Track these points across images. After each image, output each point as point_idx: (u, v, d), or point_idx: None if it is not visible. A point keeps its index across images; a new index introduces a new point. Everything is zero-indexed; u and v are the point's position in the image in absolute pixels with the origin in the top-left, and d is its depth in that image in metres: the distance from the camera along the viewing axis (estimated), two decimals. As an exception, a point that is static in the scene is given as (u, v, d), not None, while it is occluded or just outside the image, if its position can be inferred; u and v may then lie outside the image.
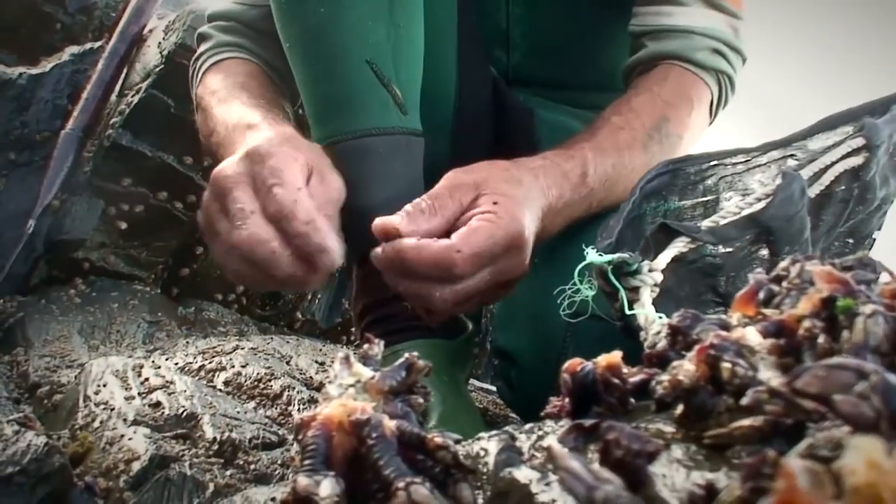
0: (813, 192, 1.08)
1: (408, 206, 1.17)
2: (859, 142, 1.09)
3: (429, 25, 1.41)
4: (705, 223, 1.04)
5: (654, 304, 0.94)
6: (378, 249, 1.15)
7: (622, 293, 0.94)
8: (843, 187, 1.09)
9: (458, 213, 1.17)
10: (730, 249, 1.05)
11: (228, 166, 1.16)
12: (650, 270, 0.96)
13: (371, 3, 1.33)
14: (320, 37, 1.33)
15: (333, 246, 1.13)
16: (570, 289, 1.03)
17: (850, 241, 1.20)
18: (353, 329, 2.76)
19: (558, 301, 1.04)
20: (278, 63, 1.69)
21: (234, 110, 1.46)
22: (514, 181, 1.21)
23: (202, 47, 1.75)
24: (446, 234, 1.15)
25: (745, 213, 1.04)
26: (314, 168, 1.20)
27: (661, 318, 0.88)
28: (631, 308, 0.93)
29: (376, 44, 1.33)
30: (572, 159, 1.32)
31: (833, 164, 1.08)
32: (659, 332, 0.86)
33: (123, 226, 2.25)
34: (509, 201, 1.16)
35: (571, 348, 1.32)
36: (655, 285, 0.95)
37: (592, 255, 0.97)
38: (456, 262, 1.09)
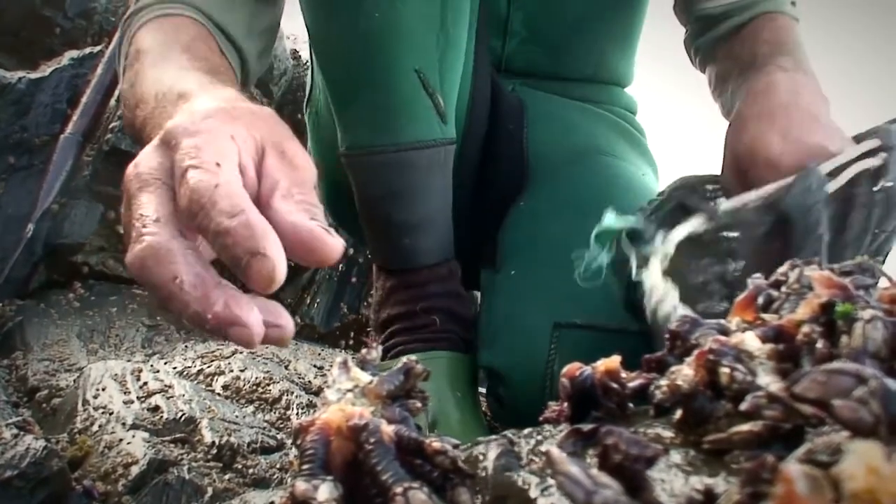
0: (830, 188, 1.08)
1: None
2: (874, 142, 1.09)
3: None
4: (724, 205, 1.04)
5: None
6: None
7: (631, 257, 0.94)
8: (863, 190, 1.09)
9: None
10: (746, 235, 1.05)
11: (140, 160, 0.82)
12: (665, 241, 0.96)
13: (426, 9, 1.29)
14: (371, 42, 1.28)
15: (273, 252, 0.72)
16: (587, 252, 1.02)
17: (881, 258, 1.19)
18: (352, 333, 2.76)
19: (574, 264, 1.03)
20: (240, 36, 1.37)
21: (168, 75, 1.12)
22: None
23: (139, 2, 1.37)
24: None
25: (763, 196, 1.04)
26: (267, 144, 0.83)
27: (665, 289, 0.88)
28: (638, 274, 0.93)
29: (425, 51, 1.31)
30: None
31: (849, 163, 1.08)
32: (661, 301, 0.87)
33: (122, 230, 2.25)
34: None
35: (557, 361, 1.31)
36: (665, 255, 0.95)
37: (610, 219, 0.97)
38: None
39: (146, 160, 0.81)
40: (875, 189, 1.09)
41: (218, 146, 0.78)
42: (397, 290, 1.45)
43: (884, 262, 1.19)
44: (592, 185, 1.53)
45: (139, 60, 1.22)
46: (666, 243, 0.96)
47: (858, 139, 1.14)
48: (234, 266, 0.73)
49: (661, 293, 0.88)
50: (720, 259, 1.04)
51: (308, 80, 1.73)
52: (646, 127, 1.87)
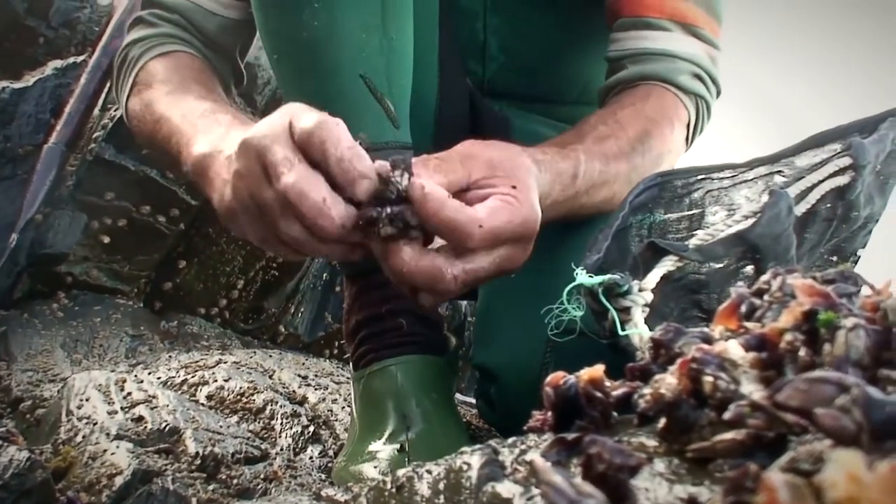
0: (799, 210, 1.08)
1: (415, 159, 1.08)
2: (846, 161, 1.09)
3: (413, 35, 1.40)
4: (693, 241, 1.04)
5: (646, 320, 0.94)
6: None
7: (613, 314, 0.94)
8: (828, 205, 1.09)
9: (464, 185, 1.09)
10: (716, 266, 1.05)
11: (261, 128, 1.03)
12: (640, 290, 0.96)
13: (364, 15, 1.30)
14: (313, 51, 1.31)
15: (374, 176, 0.99)
16: (557, 308, 1.01)
17: (835, 258, 1.20)
18: (336, 343, 2.76)
19: (546, 321, 1.03)
20: (229, 79, 1.74)
21: (190, 101, 1.41)
22: (527, 169, 1.15)
23: (137, 33, 1.66)
24: None
25: (732, 230, 1.04)
26: None
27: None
28: (623, 328, 0.93)
29: (369, 57, 1.32)
30: (567, 159, 1.27)
31: (820, 182, 1.08)
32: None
33: (106, 239, 2.25)
34: (526, 189, 1.10)
35: (553, 364, 1.31)
36: (646, 305, 0.95)
37: (583, 277, 0.96)
38: (474, 234, 1.01)
39: (267, 127, 1.03)
40: (838, 203, 1.10)
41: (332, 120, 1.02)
42: (362, 295, 1.45)
43: (846, 260, 1.20)
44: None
45: (153, 87, 1.53)
46: (643, 292, 0.96)
47: (821, 141, 1.14)
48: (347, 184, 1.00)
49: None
50: (693, 292, 1.05)
51: None
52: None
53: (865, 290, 0.63)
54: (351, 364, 1.49)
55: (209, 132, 1.25)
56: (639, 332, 0.90)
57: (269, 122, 1.03)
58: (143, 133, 1.53)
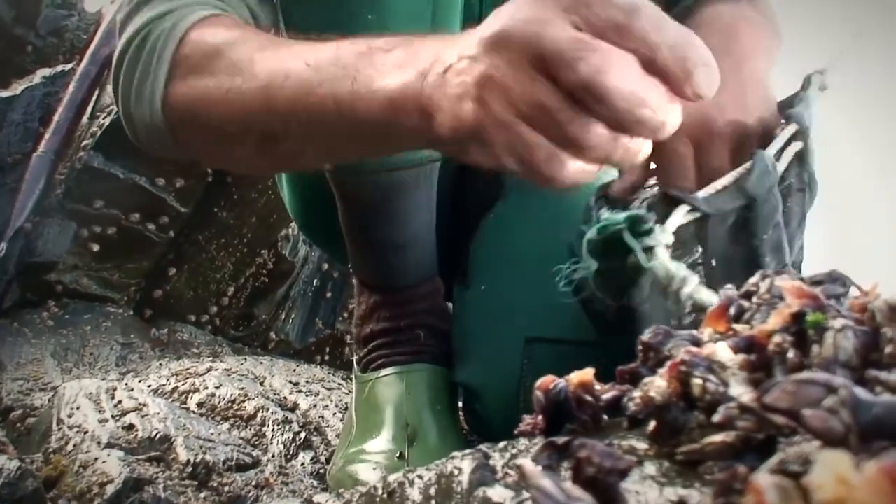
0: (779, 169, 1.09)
1: None
2: (793, 128, 1.10)
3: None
4: (700, 193, 1.04)
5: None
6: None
7: (638, 250, 0.92)
8: (795, 174, 1.10)
9: None
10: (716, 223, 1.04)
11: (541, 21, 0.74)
12: (663, 231, 0.94)
13: (418, 22, 1.20)
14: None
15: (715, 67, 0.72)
16: (567, 268, 0.98)
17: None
18: (327, 349, 2.76)
19: (556, 279, 1.00)
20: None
21: (301, 47, 0.98)
22: None
23: (153, 9, 1.15)
24: None
25: (731, 180, 1.04)
26: None
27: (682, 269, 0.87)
28: (649, 262, 0.91)
29: None
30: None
31: (781, 150, 1.09)
32: (685, 280, 0.86)
33: (96, 248, 2.25)
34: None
35: (530, 377, 1.31)
36: (668, 245, 0.94)
37: (607, 215, 0.94)
38: (721, 129, 0.95)
39: (546, 18, 0.74)
40: (802, 171, 1.10)
41: None
42: (381, 307, 1.45)
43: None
44: (564, 193, 1.51)
45: (220, 55, 1.04)
46: (664, 233, 0.95)
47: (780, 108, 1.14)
48: (676, 80, 0.72)
49: (680, 279, 0.87)
50: (691, 250, 1.05)
51: None
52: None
53: (854, 291, 0.63)
54: (356, 365, 1.49)
55: (379, 60, 0.88)
56: (666, 265, 0.89)
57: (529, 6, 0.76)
58: (209, 118, 1.05)
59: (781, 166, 1.07)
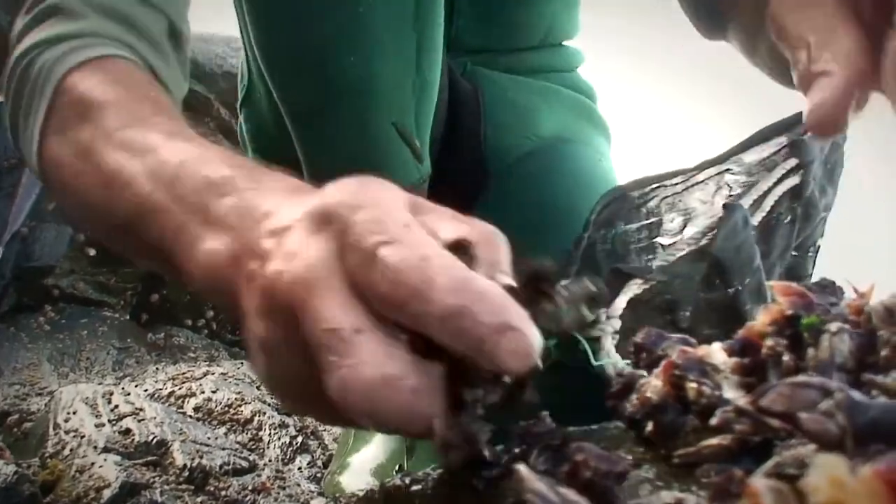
0: (756, 219, 1.08)
1: None
2: (792, 162, 1.09)
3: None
4: (656, 263, 1.04)
5: (618, 347, 0.93)
6: None
7: (584, 345, 0.93)
8: (785, 208, 1.10)
9: None
10: (683, 283, 1.05)
11: (285, 257, 0.58)
12: (608, 318, 0.95)
13: (401, 62, 1.21)
14: (344, 100, 1.20)
15: (522, 322, 0.51)
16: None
17: (796, 254, 1.20)
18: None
19: None
20: (180, 92, 1.11)
21: (157, 145, 0.83)
22: None
23: (51, 29, 1.01)
24: None
25: (693, 248, 1.04)
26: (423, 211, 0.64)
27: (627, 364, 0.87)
28: (596, 359, 0.92)
29: (402, 103, 1.24)
30: None
31: (772, 188, 1.09)
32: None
33: (92, 252, 2.24)
34: None
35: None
36: (615, 332, 0.95)
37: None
38: None
39: (302, 254, 0.57)
40: (795, 204, 1.10)
41: (395, 215, 0.57)
42: None
43: (807, 252, 1.20)
44: (551, 183, 1.49)
45: (88, 120, 0.90)
46: (611, 320, 0.95)
47: (767, 135, 1.14)
48: (475, 351, 0.52)
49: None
50: (666, 313, 1.05)
51: (240, 75, 1.53)
52: (611, 114, 1.81)
53: (850, 294, 0.63)
54: None
55: (212, 205, 0.72)
56: (612, 361, 0.90)
57: (299, 249, 0.58)
58: (74, 191, 0.92)
59: (769, 205, 1.07)
